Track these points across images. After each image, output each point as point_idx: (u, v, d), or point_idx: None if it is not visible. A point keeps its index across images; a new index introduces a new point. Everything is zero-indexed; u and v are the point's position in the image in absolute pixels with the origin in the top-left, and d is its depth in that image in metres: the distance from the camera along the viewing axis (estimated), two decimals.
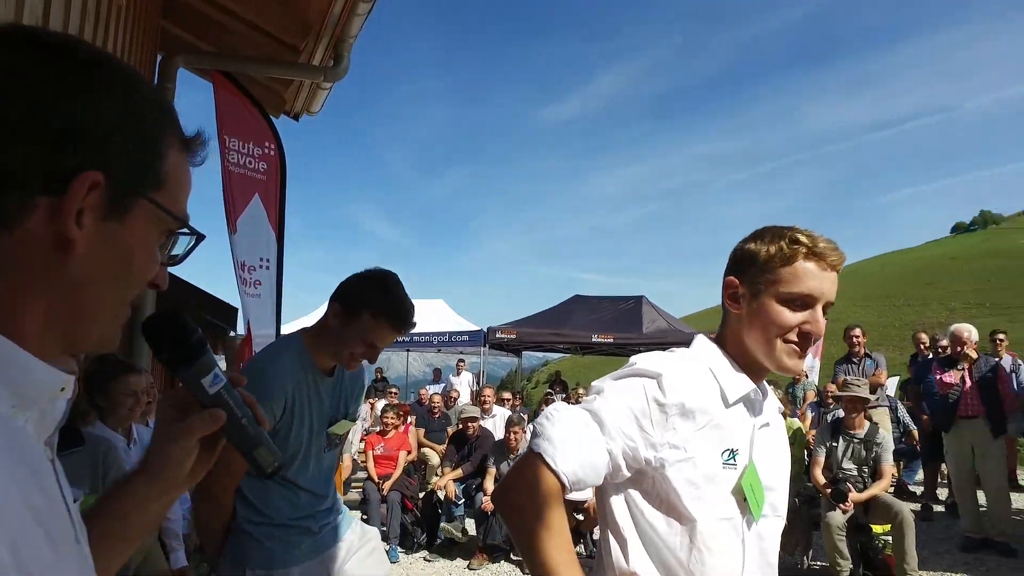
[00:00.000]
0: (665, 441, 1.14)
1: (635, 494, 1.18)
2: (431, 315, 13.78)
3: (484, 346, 13.07)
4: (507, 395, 9.66)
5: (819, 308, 1.19)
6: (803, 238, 1.19)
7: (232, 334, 7.41)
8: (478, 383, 12.60)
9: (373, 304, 1.87)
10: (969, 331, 5.82)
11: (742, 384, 1.24)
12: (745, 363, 1.26)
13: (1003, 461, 5.71)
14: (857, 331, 7.32)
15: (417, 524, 6.25)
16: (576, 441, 1.11)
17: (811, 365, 12.78)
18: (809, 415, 8.49)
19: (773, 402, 1.35)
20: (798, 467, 5.24)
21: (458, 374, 12.73)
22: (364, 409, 10.65)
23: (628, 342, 12.81)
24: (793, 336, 1.19)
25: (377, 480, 6.40)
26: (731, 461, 1.18)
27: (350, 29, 3.54)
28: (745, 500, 1.18)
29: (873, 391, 6.75)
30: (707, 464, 1.16)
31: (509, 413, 7.65)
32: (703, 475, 1.15)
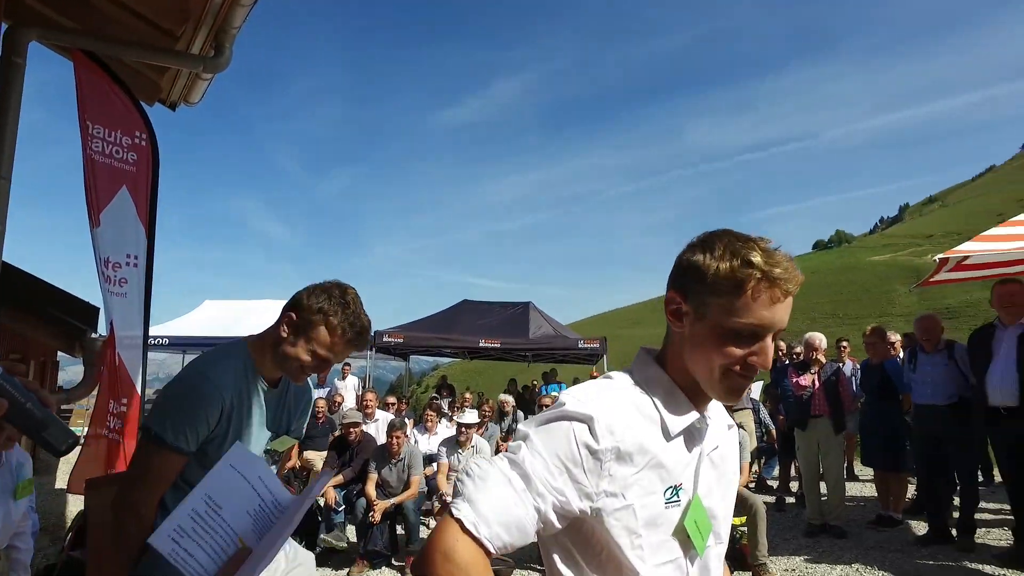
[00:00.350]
0: (601, 490, 1.03)
1: (574, 546, 1.09)
2: None
3: (371, 350, 12.85)
4: (391, 399, 9.55)
5: (768, 337, 1.07)
6: (758, 259, 1.04)
7: (93, 335, 6.86)
8: (364, 387, 12.37)
9: (329, 317, 1.82)
10: (820, 339, 6.49)
11: (685, 415, 1.12)
12: (688, 386, 1.13)
13: (842, 455, 6.35)
14: None
15: (296, 533, 6.04)
16: (499, 502, 0.99)
17: None
18: None
19: (721, 418, 1.25)
20: None
21: (343, 378, 12.43)
22: None
23: (514, 347, 13.05)
24: (738, 367, 1.06)
25: None
26: (674, 499, 1.09)
27: (233, 19, 3.39)
28: (689, 537, 1.10)
29: None
30: (648, 508, 1.06)
31: (392, 417, 7.58)
32: (644, 520, 1.06)
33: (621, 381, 1.14)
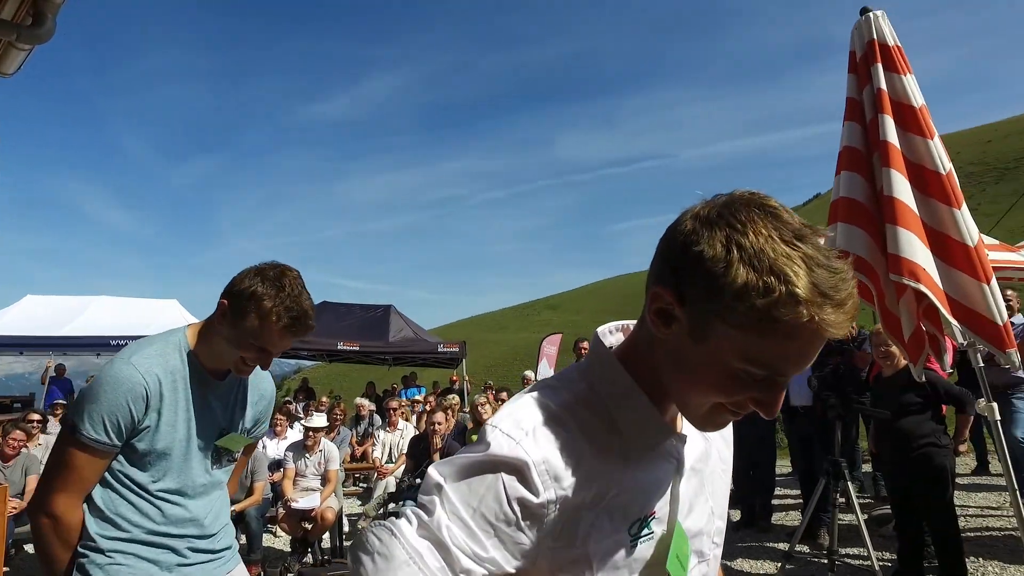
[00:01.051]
0: (544, 545, 0.79)
1: None
2: (162, 317, 12.48)
3: None
4: None
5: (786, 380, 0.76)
6: (807, 290, 0.68)
7: None
8: None
9: (263, 302, 1.62)
10: None
11: (655, 434, 0.86)
12: (658, 393, 0.85)
13: None
14: (585, 344, 8.26)
15: None
16: None
17: (546, 374, 14.08)
18: None
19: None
20: None
21: None
22: None
23: (374, 350, 12.90)
24: (732, 406, 0.78)
25: None
26: (645, 532, 0.85)
27: None
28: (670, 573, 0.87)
29: None
30: (610, 552, 0.83)
31: None
32: (605, 567, 0.83)
33: (564, 395, 0.86)
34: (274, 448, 7.29)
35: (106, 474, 1.65)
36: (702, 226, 0.74)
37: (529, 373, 12.09)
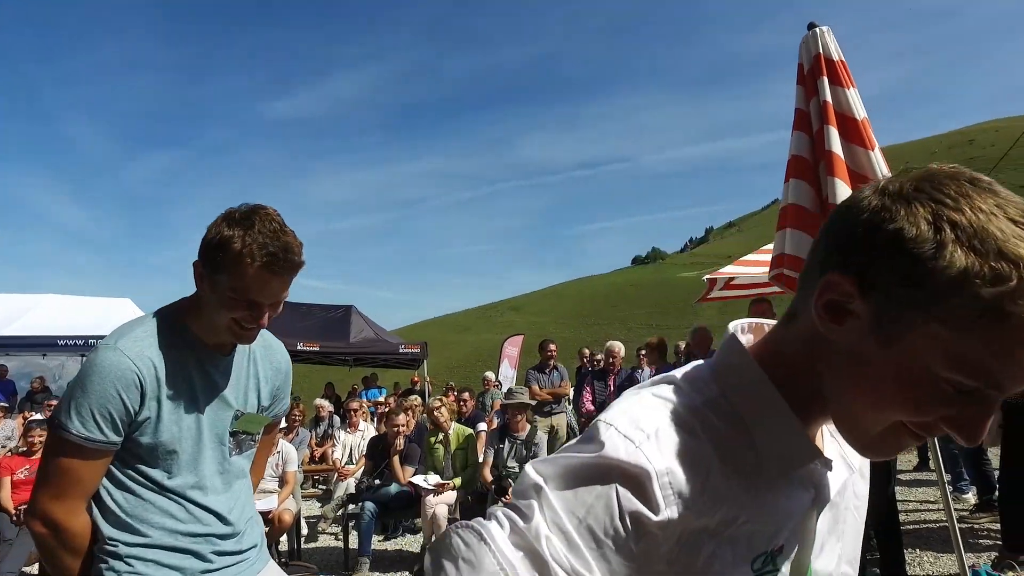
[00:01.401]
0: (656, 568, 0.66)
1: None
2: (115, 316, 12.14)
3: None
4: None
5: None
6: None
7: None
8: None
9: (232, 244, 1.39)
10: (619, 347, 7.17)
11: (795, 457, 0.71)
12: (806, 408, 0.70)
13: None
14: (552, 346, 8.34)
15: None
16: None
17: (507, 375, 14.14)
18: (496, 421, 9.41)
19: (843, 451, 0.81)
20: (473, 470, 5.83)
21: None
22: (10, 424, 8.96)
23: (334, 351, 12.79)
24: (918, 428, 0.63)
25: (15, 511, 5.45)
26: (769, 569, 0.72)
27: None
28: None
29: (559, 400, 7.89)
30: None
31: None
32: None
33: (694, 396, 0.72)
34: None
35: (118, 473, 1.49)
36: (895, 201, 0.59)
37: (490, 374, 12.15)
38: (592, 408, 6.98)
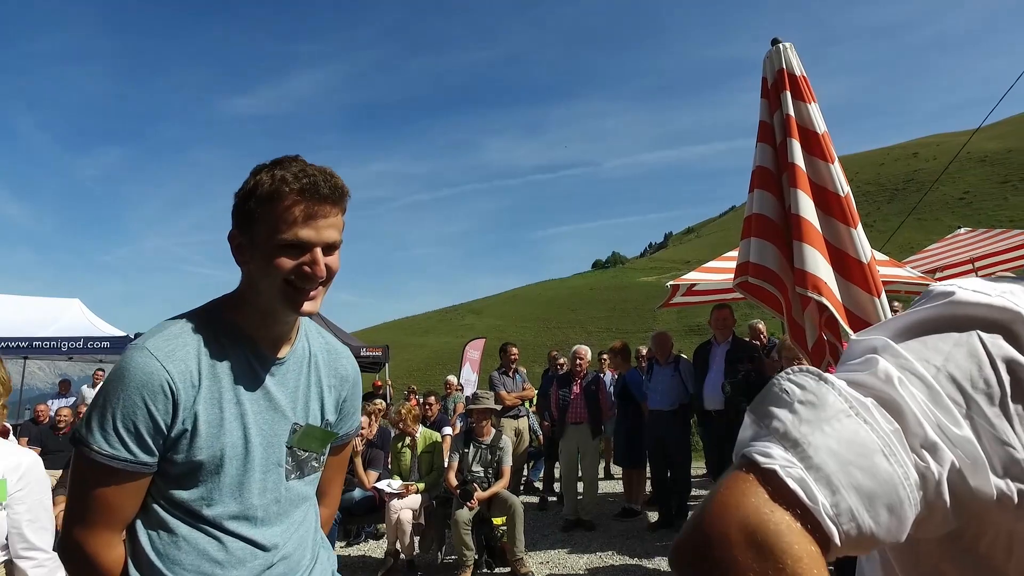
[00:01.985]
0: None
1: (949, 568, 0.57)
2: (62, 317, 11.71)
3: None
4: None
5: None
6: None
7: None
8: None
9: (263, 186, 1.22)
10: (585, 351, 7.25)
11: None
12: None
13: (597, 457, 7.12)
14: (514, 349, 8.36)
15: None
16: (852, 447, 0.49)
17: (469, 378, 14.11)
18: (459, 425, 9.38)
19: None
20: (438, 473, 5.81)
21: (94, 386, 11.01)
22: None
23: None
24: None
25: None
26: None
27: None
28: None
29: (522, 403, 7.93)
30: None
31: None
32: None
33: None
34: None
35: (148, 500, 1.26)
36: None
37: (452, 377, 12.10)
38: (556, 413, 7.03)
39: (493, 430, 5.80)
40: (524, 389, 8.05)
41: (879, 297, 3.31)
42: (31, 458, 2.04)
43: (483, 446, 5.63)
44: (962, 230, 9.29)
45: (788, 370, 0.55)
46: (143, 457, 1.20)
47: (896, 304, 5.79)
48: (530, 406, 9.64)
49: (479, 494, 5.32)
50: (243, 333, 1.31)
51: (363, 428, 6.05)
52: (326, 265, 1.25)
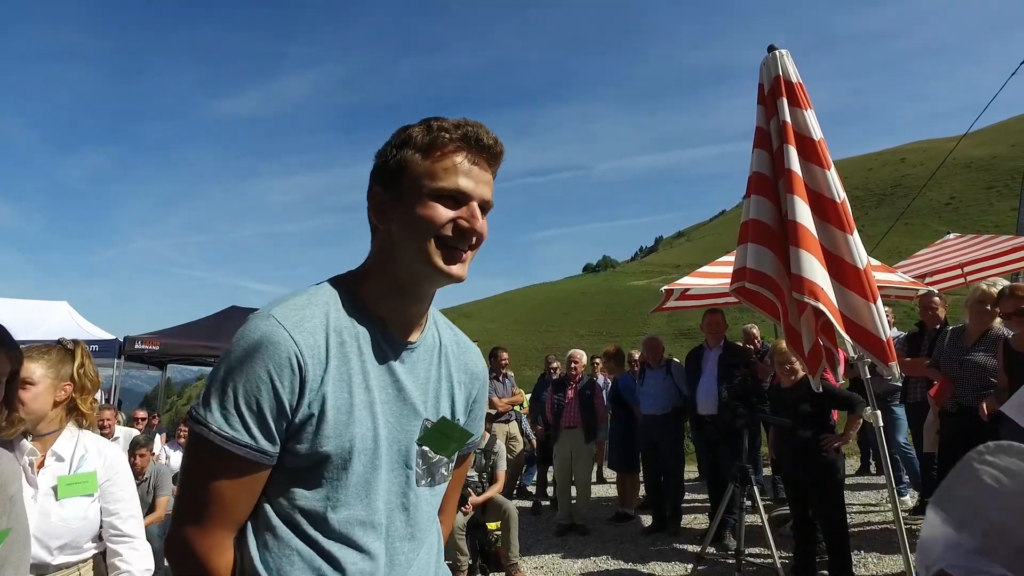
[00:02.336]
0: None
1: None
2: (49, 319, 11.58)
3: (119, 358, 11.44)
4: (142, 414, 8.64)
5: None
6: None
7: None
8: (108, 400, 10.95)
9: (417, 136, 1.10)
10: (581, 355, 7.28)
11: None
12: None
13: (591, 462, 7.11)
14: (504, 354, 8.34)
15: None
16: None
17: None
18: None
19: None
20: None
21: None
22: None
23: None
24: None
25: None
26: None
27: None
28: None
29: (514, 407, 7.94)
30: None
31: (136, 434, 6.87)
32: None
33: None
34: (177, 458, 6.94)
35: (259, 501, 1.08)
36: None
37: None
38: (551, 417, 7.02)
39: (487, 435, 5.80)
40: (513, 394, 8.05)
41: (875, 303, 3.33)
42: (115, 450, 2.14)
43: (478, 451, 5.62)
44: (951, 235, 9.38)
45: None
46: (264, 444, 1.03)
47: (887, 310, 5.83)
48: (521, 409, 9.65)
49: (473, 499, 5.30)
50: (372, 311, 1.14)
51: None
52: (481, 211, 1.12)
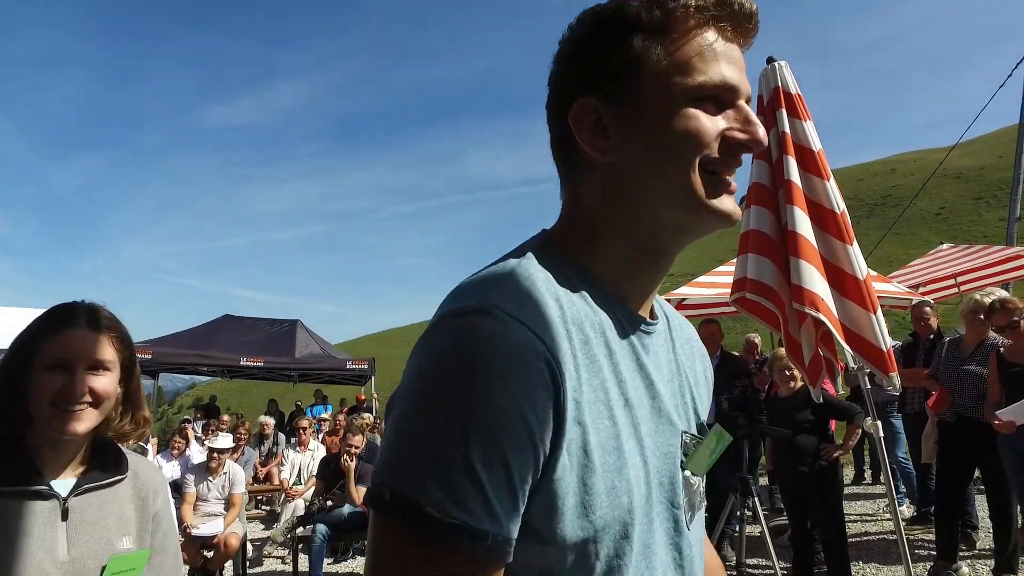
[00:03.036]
0: None
1: None
2: None
3: None
4: None
5: None
6: None
7: None
8: None
9: (643, 12, 0.70)
10: None
11: None
12: None
13: None
14: None
15: None
16: None
17: None
18: None
19: None
20: None
21: None
22: None
23: (278, 366, 12.47)
24: None
25: None
26: None
27: None
28: None
29: None
30: None
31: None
32: None
33: None
34: (170, 469, 6.87)
35: None
36: None
37: None
38: None
39: None
40: None
41: (875, 313, 3.34)
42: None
43: None
44: (944, 246, 9.46)
45: None
46: (510, 527, 0.61)
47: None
48: None
49: None
50: (607, 287, 0.76)
51: (356, 446, 5.98)
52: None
